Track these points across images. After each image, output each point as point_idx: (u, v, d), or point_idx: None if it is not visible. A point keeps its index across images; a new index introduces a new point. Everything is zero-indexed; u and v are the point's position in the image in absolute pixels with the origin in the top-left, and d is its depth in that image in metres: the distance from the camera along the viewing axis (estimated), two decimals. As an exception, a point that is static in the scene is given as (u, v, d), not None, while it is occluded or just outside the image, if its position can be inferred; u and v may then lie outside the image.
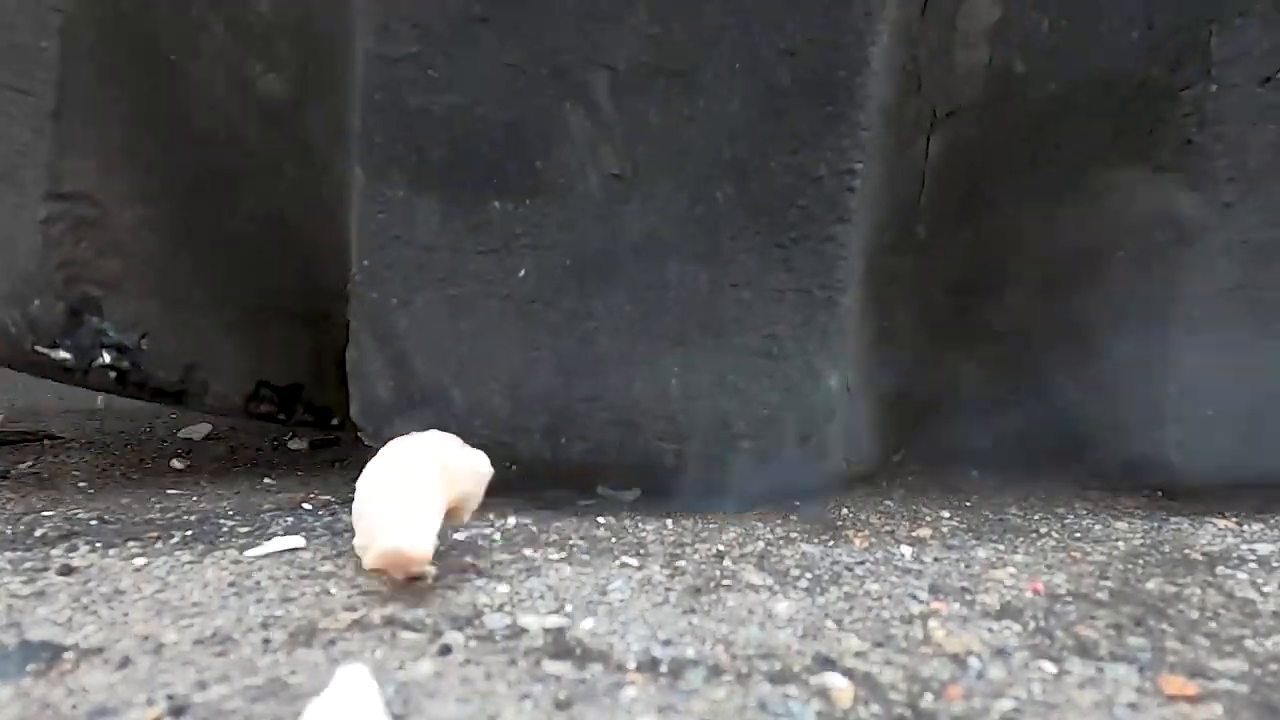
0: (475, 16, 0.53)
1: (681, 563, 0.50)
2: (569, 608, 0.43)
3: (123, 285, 0.63)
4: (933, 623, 0.41)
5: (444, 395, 0.57)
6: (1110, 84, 0.57)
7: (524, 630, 0.40)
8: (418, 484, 0.45)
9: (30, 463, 0.79)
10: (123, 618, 0.42)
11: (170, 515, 0.63)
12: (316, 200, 0.64)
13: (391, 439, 0.52)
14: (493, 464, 0.50)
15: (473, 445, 0.51)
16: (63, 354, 0.62)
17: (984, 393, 0.65)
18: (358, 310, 0.58)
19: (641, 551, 0.52)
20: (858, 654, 0.38)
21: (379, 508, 0.43)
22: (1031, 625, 0.41)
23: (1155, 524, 0.58)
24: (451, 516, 0.49)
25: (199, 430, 0.89)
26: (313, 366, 0.69)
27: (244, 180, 0.65)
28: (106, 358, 0.63)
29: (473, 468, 0.49)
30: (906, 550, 0.52)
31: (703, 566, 0.49)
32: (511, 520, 0.58)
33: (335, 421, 0.75)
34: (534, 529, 0.56)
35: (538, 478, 0.61)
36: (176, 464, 0.79)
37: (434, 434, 0.49)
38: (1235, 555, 0.51)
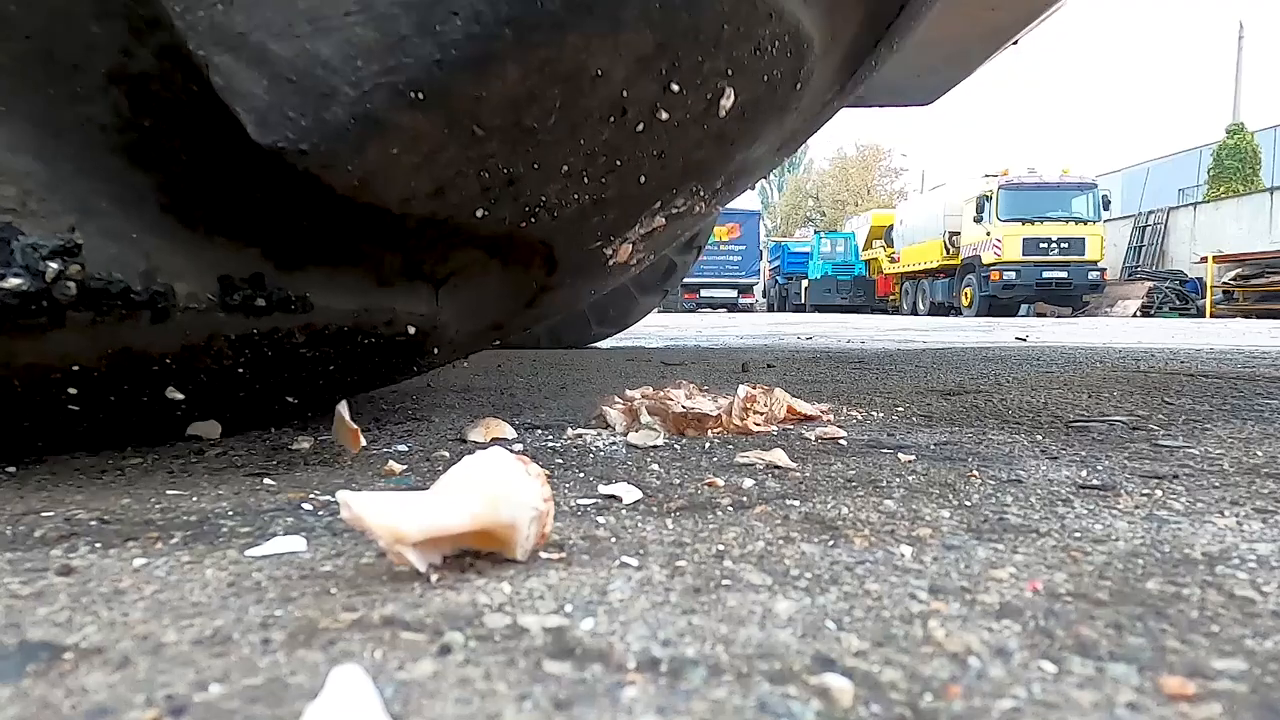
0: None
1: (681, 563, 0.50)
2: (569, 608, 0.43)
3: (28, 207, 0.62)
4: (933, 622, 0.41)
5: (312, 56, 0.55)
6: None
7: (524, 630, 0.40)
8: (445, 489, 0.48)
9: (28, 461, 0.79)
10: (122, 618, 0.42)
11: (170, 515, 0.63)
12: (141, 24, 0.60)
13: (309, 145, 0.53)
14: (409, 70, 0.50)
15: (369, 89, 0.51)
16: (14, 280, 0.61)
17: None
18: (195, 39, 0.56)
19: (641, 551, 0.52)
20: (858, 654, 0.38)
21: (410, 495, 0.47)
22: (1031, 625, 0.41)
23: (1155, 524, 0.58)
24: (491, 543, 0.49)
25: (202, 428, 0.89)
26: (270, 249, 0.67)
27: (77, 52, 0.61)
28: (54, 265, 0.62)
29: (522, 499, 0.48)
30: (906, 550, 0.52)
31: (703, 566, 0.49)
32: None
33: (310, 299, 0.73)
34: (534, 529, 0.56)
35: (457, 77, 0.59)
36: (179, 463, 0.79)
37: (498, 456, 0.49)
38: (1235, 555, 0.51)
